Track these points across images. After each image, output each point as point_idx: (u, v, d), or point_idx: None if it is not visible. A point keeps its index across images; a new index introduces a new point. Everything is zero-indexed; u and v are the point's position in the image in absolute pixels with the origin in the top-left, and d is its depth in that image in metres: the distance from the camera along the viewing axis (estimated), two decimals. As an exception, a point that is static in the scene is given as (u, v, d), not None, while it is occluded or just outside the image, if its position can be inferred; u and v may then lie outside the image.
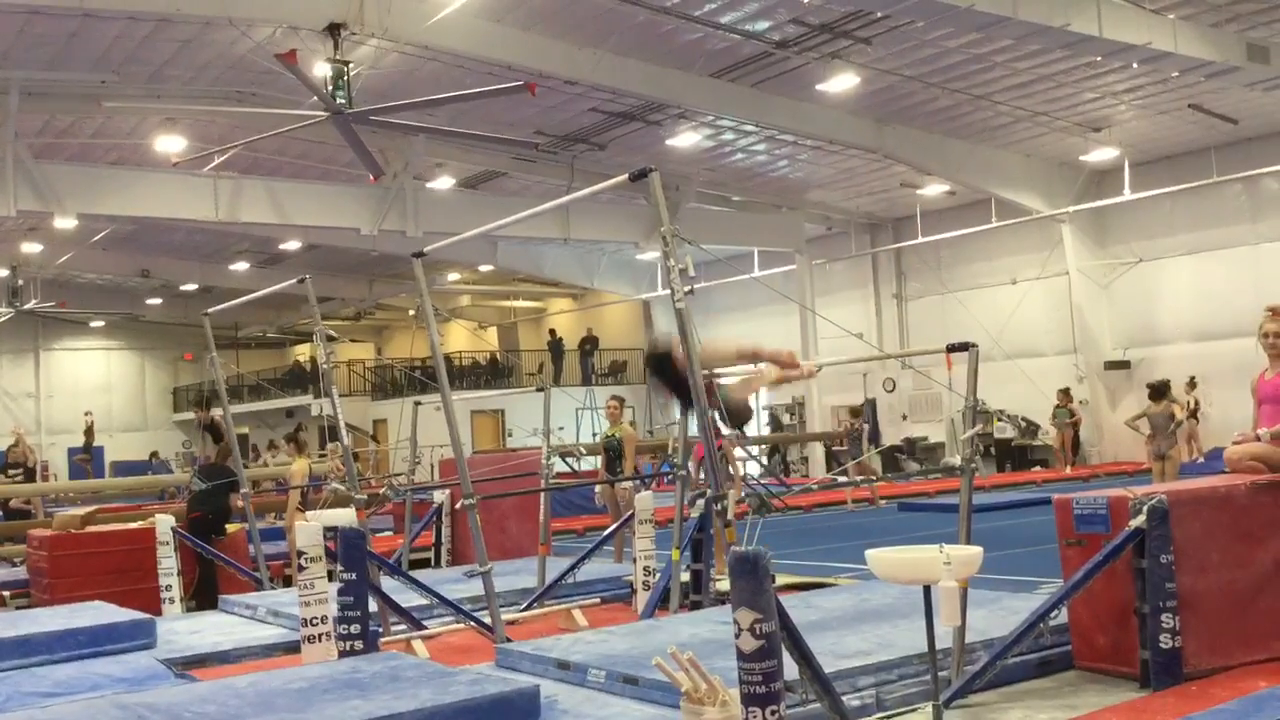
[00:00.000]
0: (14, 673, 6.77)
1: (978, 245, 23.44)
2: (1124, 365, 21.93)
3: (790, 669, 4.11)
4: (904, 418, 24.61)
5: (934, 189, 22.64)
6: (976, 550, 4.57)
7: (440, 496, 11.66)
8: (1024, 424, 22.18)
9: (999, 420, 21.50)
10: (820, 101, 18.28)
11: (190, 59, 16.08)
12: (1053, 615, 5.37)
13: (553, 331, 31.86)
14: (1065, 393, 21.01)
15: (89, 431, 32.70)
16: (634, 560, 8.57)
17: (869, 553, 4.60)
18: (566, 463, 17.72)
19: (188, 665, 7.19)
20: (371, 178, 16.42)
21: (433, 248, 8.33)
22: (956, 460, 5.70)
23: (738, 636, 3.95)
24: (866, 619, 6.50)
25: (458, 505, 9.72)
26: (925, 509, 15.70)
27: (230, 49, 15.67)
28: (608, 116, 18.98)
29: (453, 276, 31.51)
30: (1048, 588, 7.29)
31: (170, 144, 17.95)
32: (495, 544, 8.37)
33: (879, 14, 14.47)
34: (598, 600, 8.93)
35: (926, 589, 4.50)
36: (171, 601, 9.54)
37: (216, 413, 14.44)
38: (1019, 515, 13.71)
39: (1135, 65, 15.92)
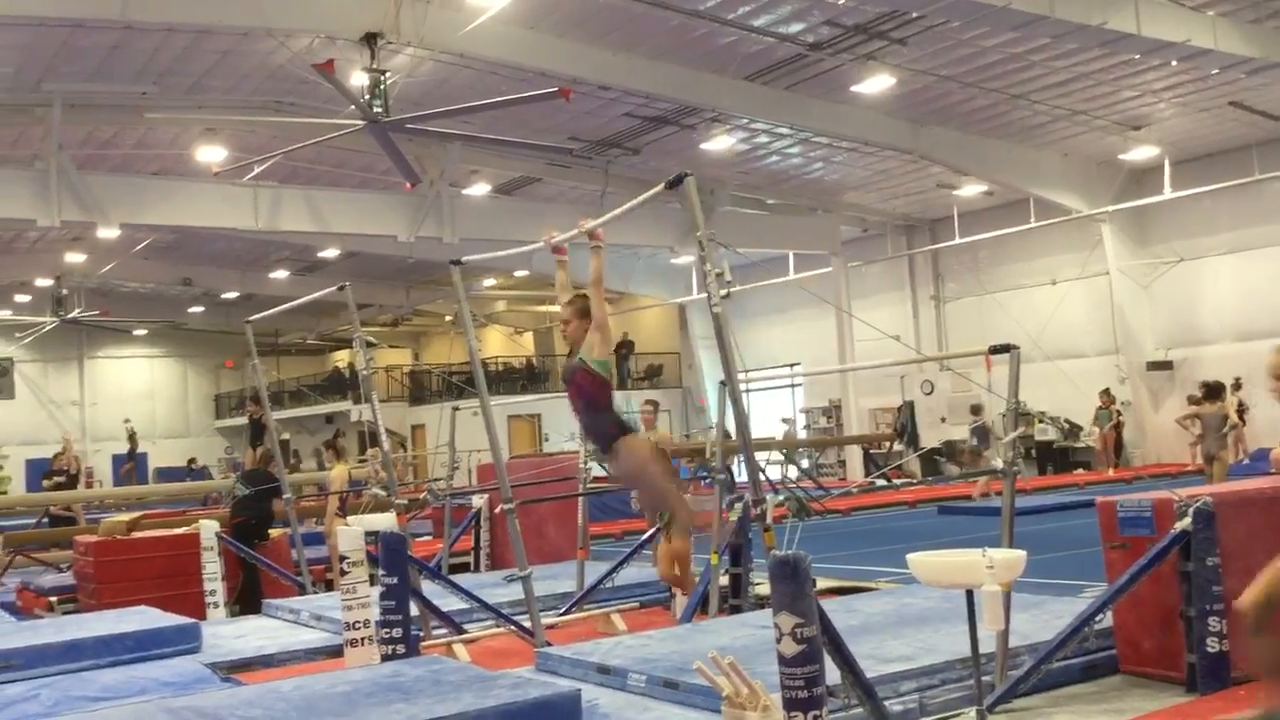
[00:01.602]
0: (62, 677, 6.87)
1: (1016, 246, 23.24)
2: (1166, 366, 21.67)
3: (832, 674, 4.10)
4: (942, 420, 24.43)
5: (971, 189, 22.49)
6: (1020, 554, 4.54)
7: (479, 501, 11.71)
8: (1066, 426, 21.97)
9: (1040, 422, 21.31)
10: (855, 103, 18.22)
11: (230, 70, 16.27)
12: (1098, 619, 5.32)
13: (588, 336, 31.86)
14: (1106, 393, 20.79)
15: (132, 438, 33.12)
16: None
17: (911, 557, 4.58)
18: (604, 467, 17.76)
19: (233, 669, 7.27)
20: (408, 185, 16.54)
21: (471, 258, 8.39)
22: (998, 463, 5.66)
23: (779, 641, 3.95)
24: (908, 623, 6.46)
25: (497, 510, 9.76)
26: (965, 512, 15.57)
27: (269, 59, 15.84)
28: (642, 121, 19.01)
29: (489, 282, 31.65)
30: (1092, 591, 7.22)
31: (211, 154, 18.17)
32: (534, 548, 8.39)
33: (914, 14, 14.40)
34: (636, 604, 8.94)
35: (969, 593, 4.47)
36: (216, 606, 9.64)
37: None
38: (1061, 518, 13.58)
39: (1174, 63, 15.75)
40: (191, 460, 35.54)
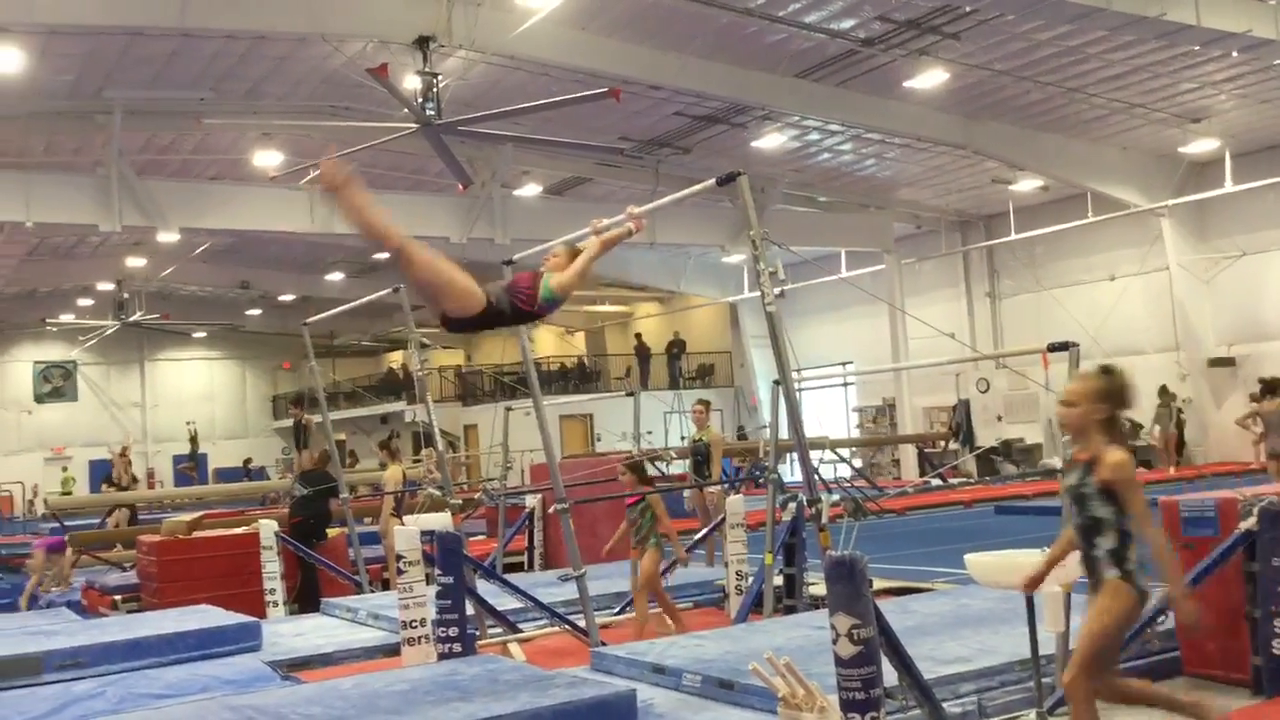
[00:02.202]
0: (126, 675, 7.01)
1: (1073, 241, 22.92)
2: (1228, 362, 21.25)
3: (889, 675, 4.07)
4: (999, 418, 24.15)
5: (1027, 184, 22.21)
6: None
7: (532, 501, 11.77)
8: (1125, 424, 21.60)
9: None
10: (908, 99, 18.06)
11: (285, 75, 16.49)
12: (1160, 620, 5.24)
13: (639, 336, 31.97)
14: (1164, 390, 20.42)
15: (193, 439, 33.67)
16: (726, 564, 8.56)
17: (969, 557, 4.54)
18: (656, 466, 17.76)
19: (292, 667, 7.37)
20: (460, 187, 16.66)
21: (522, 255, 8.41)
22: (1057, 462, 5.59)
23: (835, 642, 3.93)
24: (966, 624, 6.41)
25: (550, 509, 9.80)
26: (1023, 512, 15.40)
27: (323, 64, 16.02)
28: (692, 120, 18.99)
29: (540, 282, 31.75)
30: (1155, 592, 7.09)
31: (267, 158, 18.42)
32: (587, 548, 8.41)
33: (967, 8, 14.25)
34: (690, 604, 8.95)
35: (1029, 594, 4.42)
36: (275, 605, 9.78)
37: (316, 418, 14.78)
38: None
39: (1235, 54, 15.43)
40: (247, 460, 36.08)
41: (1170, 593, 4.09)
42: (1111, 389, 4.11)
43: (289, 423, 35.44)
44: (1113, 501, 4.01)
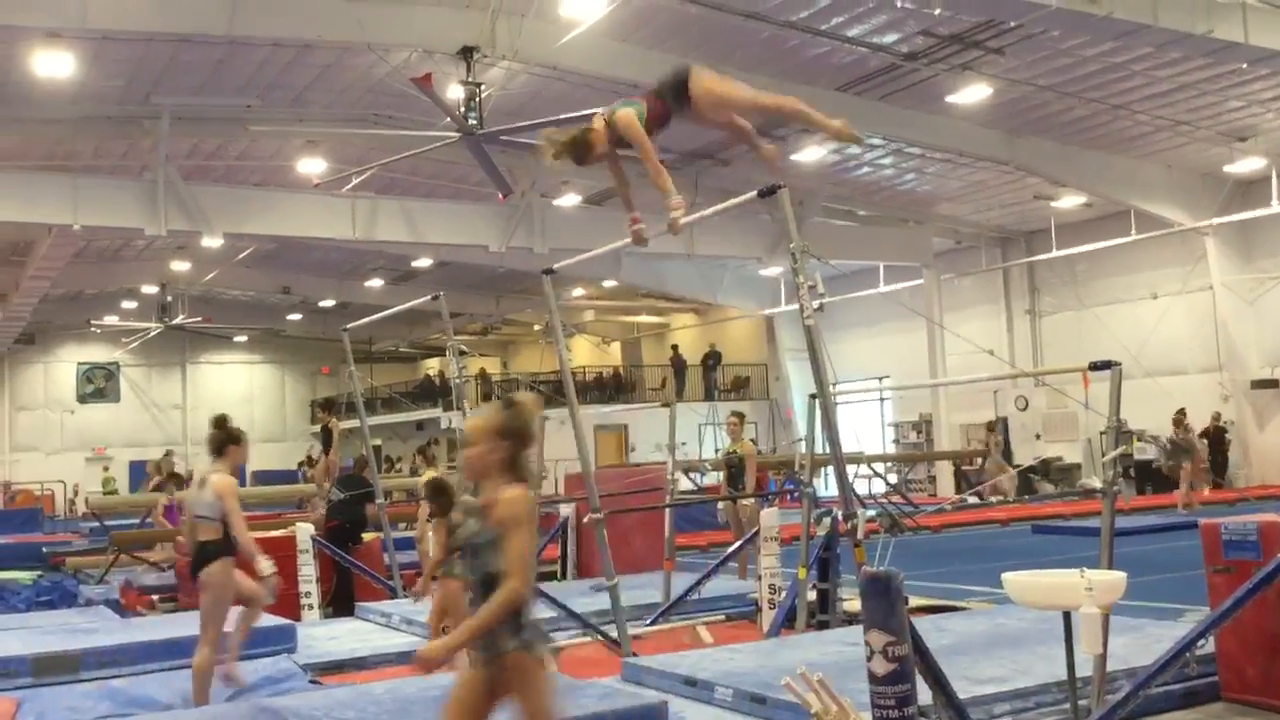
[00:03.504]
0: (164, 674, 7.08)
1: (1116, 259, 22.69)
2: (1272, 384, 20.96)
3: (923, 693, 4.05)
4: (1037, 437, 23.92)
5: (1069, 201, 22.03)
6: (1120, 575, 4.44)
7: (566, 510, 11.79)
8: (1168, 445, 21.33)
9: (1140, 441, 20.71)
10: (950, 113, 17.98)
11: (330, 83, 16.67)
12: (1199, 644, 5.16)
13: (675, 347, 31.99)
14: (1181, 413, 20.09)
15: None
16: (759, 578, 8.54)
17: (1006, 576, 4.50)
18: (690, 478, 17.74)
19: (326, 671, 7.43)
20: (501, 196, 16.75)
21: (562, 265, 8.45)
22: (1096, 482, 5.54)
23: (869, 659, 3.91)
24: (1002, 644, 6.35)
25: (585, 519, 9.82)
26: (1061, 531, 15.24)
27: (368, 73, 16.19)
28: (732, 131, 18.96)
29: (577, 292, 31.88)
30: (1193, 616, 7.02)
31: (311, 166, 18.62)
32: (620, 558, 8.42)
33: (1012, 24, 14.18)
34: (723, 617, 8.92)
35: (1066, 615, 4.38)
36: (310, 608, 9.84)
37: (345, 423, 14.90)
38: (1161, 539, 13.21)
39: (1284, 72, 15.27)
40: (301, 462, 36.17)
41: None
42: (513, 425, 3.68)
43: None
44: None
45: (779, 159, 5.64)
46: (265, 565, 6.31)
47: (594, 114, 5.49)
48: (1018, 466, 21.19)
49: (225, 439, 6.47)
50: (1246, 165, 19.52)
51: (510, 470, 3.64)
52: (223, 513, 6.15)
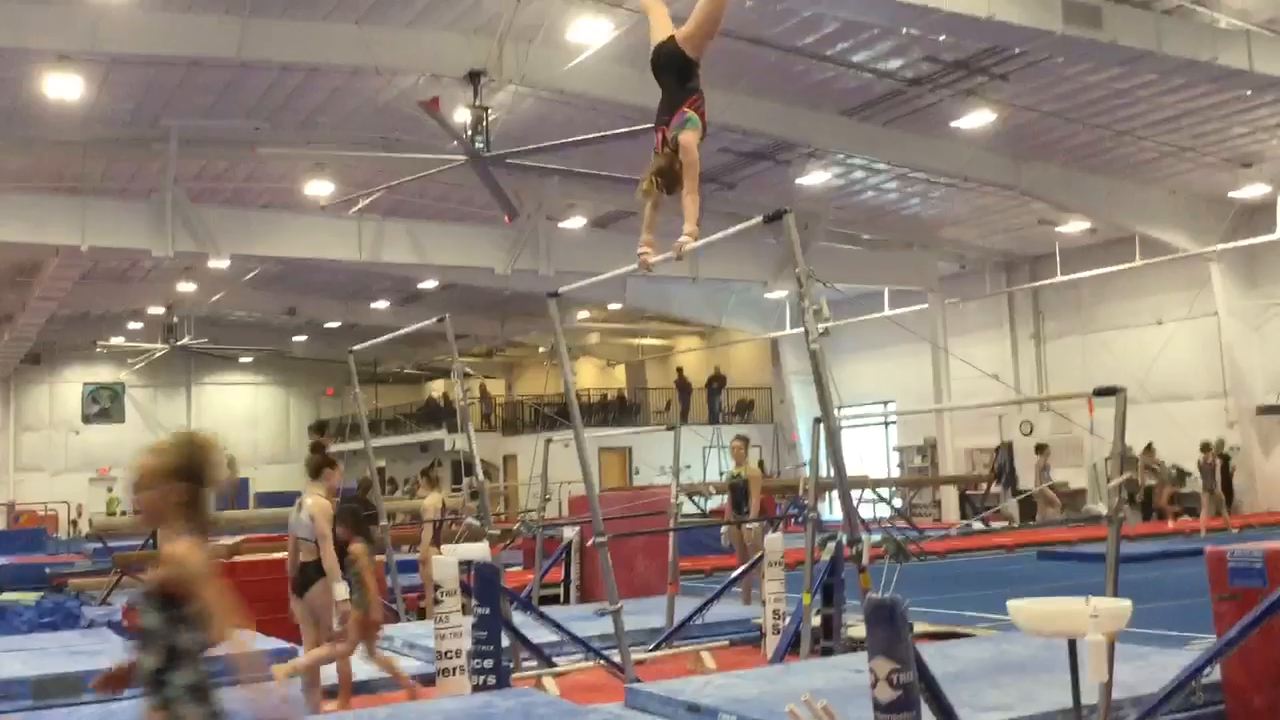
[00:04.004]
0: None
1: (1120, 284, 22.69)
2: (1278, 410, 20.90)
3: (928, 720, 4.02)
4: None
5: (1074, 226, 22.06)
6: (1125, 603, 4.42)
7: (570, 533, 11.76)
8: (1173, 471, 21.29)
9: (1145, 467, 20.67)
10: (954, 138, 18.04)
11: (339, 106, 16.76)
12: (1205, 673, 5.15)
13: (680, 370, 32.00)
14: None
15: (231, 464, 33.96)
16: (763, 603, 8.50)
17: (1011, 603, 4.48)
18: (694, 502, 17.71)
19: (329, 695, 7.38)
20: (507, 219, 16.80)
21: (567, 288, 8.47)
22: (1102, 508, 5.52)
23: (874, 686, 3.89)
24: (1007, 671, 6.32)
25: (589, 542, 9.80)
26: (1066, 558, 15.18)
27: (376, 96, 16.28)
28: (738, 156, 19.05)
29: (582, 314, 31.93)
30: (1199, 644, 6.98)
31: (319, 188, 18.69)
32: (623, 582, 8.40)
33: (1016, 50, 14.24)
34: (726, 642, 8.88)
35: (1072, 642, 4.36)
36: (312, 630, 9.80)
37: (350, 445, 14.85)
38: (1166, 566, 13.14)
39: (1289, 98, 15.31)
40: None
41: None
42: (191, 464, 3.30)
43: (331, 448, 35.70)
44: (169, 607, 3.16)
45: None
46: (340, 590, 6.54)
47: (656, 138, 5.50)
48: (1022, 492, 21.12)
49: (322, 463, 6.77)
50: (1251, 191, 19.54)
51: (189, 515, 3.24)
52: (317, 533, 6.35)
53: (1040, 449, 21.61)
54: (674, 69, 5.57)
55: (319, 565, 6.38)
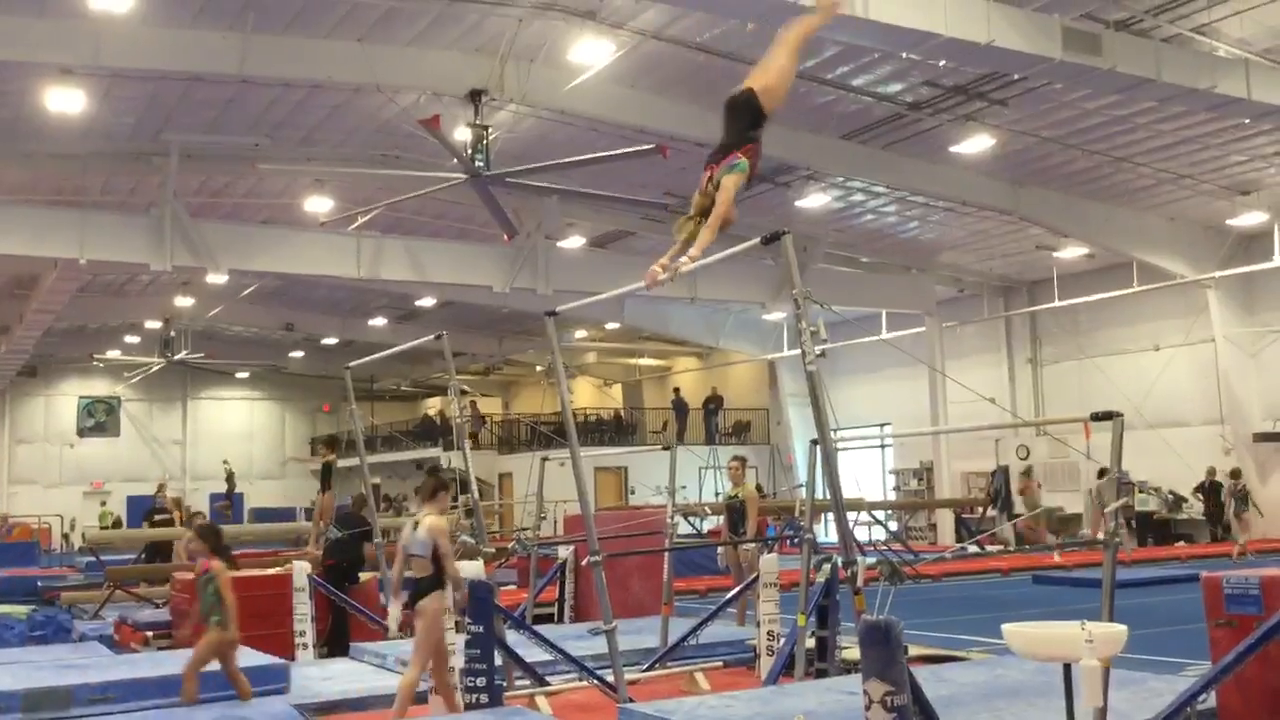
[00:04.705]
0: (154, 712, 7.02)
1: (1118, 310, 22.73)
2: (1275, 437, 20.91)
3: (922, 744, 4.01)
4: (1038, 486, 23.84)
5: (1072, 252, 22.11)
6: (1121, 628, 4.41)
7: (565, 552, 11.72)
8: (1170, 497, 21.27)
9: (1141, 493, 20.66)
10: (953, 163, 18.10)
11: (339, 123, 16.80)
12: (1201, 700, 5.13)
13: (677, 390, 32.00)
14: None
15: (230, 478, 33.95)
16: (757, 624, 8.48)
17: (1006, 627, 4.47)
18: (690, 522, 17.66)
19: (320, 712, 7.36)
20: (506, 237, 16.83)
21: (565, 307, 8.47)
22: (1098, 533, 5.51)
23: (868, 708, 3.88)
24: (1001, 695, 6.30)
25: (584, 562, 9.78)
26: (1060, 582, 15.16)
27: (377, 114, 16.33)
28: (737, 178, 19.08)
29: (580, 334, 31.94)
30: (1194, 670, 6.96)
31: (318, 204, 18.72)
32: (618, 601, 8.37)
33: (1015, 76, 14.30)
34: (720, 663, 8.84)
35: (1067, 667, 4.35)
36: (305, 647, 9.78)
37: (345, 462, 14.80)
38: (1162, 592, 13.13)
39: (1286, 127, 15.38)
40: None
41: None
42: None
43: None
44: None
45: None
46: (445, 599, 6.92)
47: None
48: (1016, 516, 21.09)
49: (436, 485, 7.17)
50: (1249, 219, 19.61)
51: None
52: (434, 550, 6.74)
53: (1102, 474, 21.25)
54: (745, 116, 5.88)
55: (431, 580, 6.75)
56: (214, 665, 7.68)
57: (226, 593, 7.02)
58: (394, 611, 7.03)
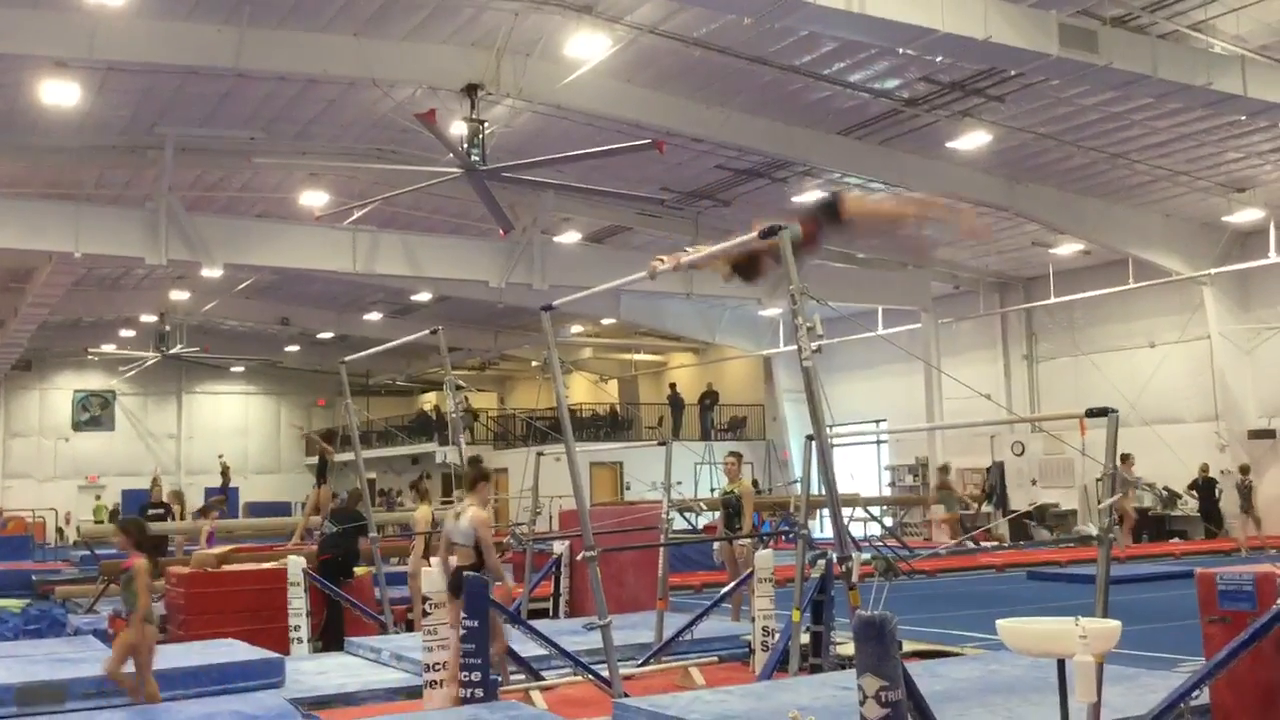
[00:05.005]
0: (147, 707, 7.00)
1: (1113, 306, 22.77)
2: (1269, 434, 20.96)
3: (916, 739, 4.01)
4: (1033, 483, 23.90)
5: (1068, 248, 22.13)
6: (1115, 624, 4.41)
7: (560, 547, 11.73)
8: (1164, 494, 21.32)
9: (1136, 489, 20.69)
10: (950, 159, 18.10)
11: (335, 118, 16.77)
12: (1194, 696, 5.13)
13: (673, 386, 32.00)
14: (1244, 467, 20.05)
15: (225, 472, 33.92)
16: (752, 619, 8.48)
17: (1000, 623, 4.47)
18: (685, 518, 17.68)
19: (314, 706, 7.35)
20: (502, 232, 16.81)
21: (561, 301, 8.47)
22: (1092, 529, 5.52)
23: (862, 703, 3.88)
24: (995, 691, 6.30)
25: (579, 557, 9.78)
26: (1056, 579, 15.19)
27: (373, 108, 16.29)
28: (734, 174, 19.11)
29: (576, 329, 31.92)
30: (1188, 666, 6.97)
31: (313, 198, 18.69)
32: (613, 596, 8.38)
33: (1012, 72, 14.31)
34: (715, 659, 8.85)
35: (1061, 663, 4.35)
36: (299, 641, 9.77)
37: (341, 456, 14.80)
38: (1156, 588, 13.16)
39: (1282, 124, 15.40)
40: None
41: None
42: None
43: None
44: None
45: (986, 234, 6.49)
46: (512, 586, 7.36)
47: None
48: (1013, 513, 21.14)
49: (478, 476, 7.43)
50: (1245, 216, 19.63)
51: None
52: (476, 539, 7.02)
53: (1125, 458, 20.32)
54: (824, 209, 6.22)
55: (473, 569, 6.91)
56: (211, 659, 7.68)
57: (142, 591, 6.74)
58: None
